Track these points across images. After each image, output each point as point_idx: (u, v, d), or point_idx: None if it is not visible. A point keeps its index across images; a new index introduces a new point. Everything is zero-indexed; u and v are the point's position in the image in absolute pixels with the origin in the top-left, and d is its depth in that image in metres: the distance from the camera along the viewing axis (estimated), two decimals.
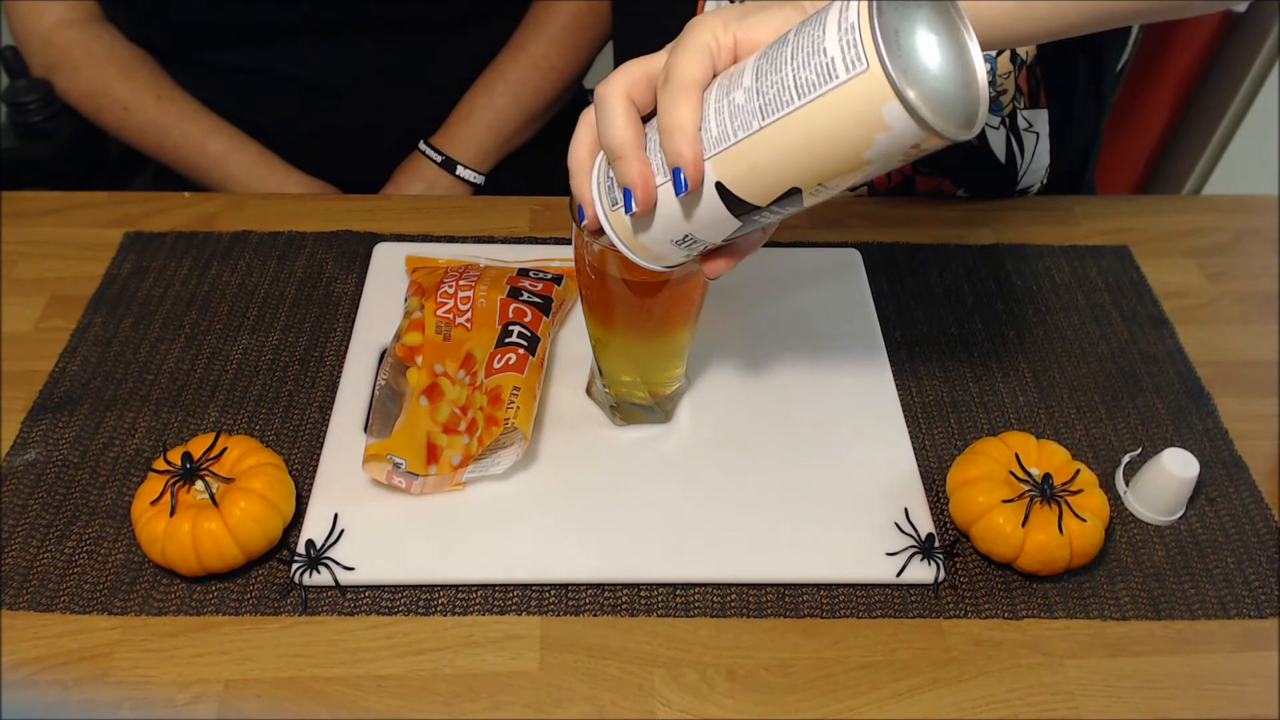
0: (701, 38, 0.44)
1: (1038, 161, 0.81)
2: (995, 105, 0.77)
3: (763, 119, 0.40)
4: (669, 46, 0.45)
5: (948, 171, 0.81)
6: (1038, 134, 0.79)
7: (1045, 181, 0.84)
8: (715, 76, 0.44)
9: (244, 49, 0.88)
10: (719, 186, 0.43)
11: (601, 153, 0.48)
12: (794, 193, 0.42)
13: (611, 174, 0.47)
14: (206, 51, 0.89)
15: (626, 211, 0.46)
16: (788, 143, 0.40)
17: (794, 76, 0.39)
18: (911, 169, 0.81)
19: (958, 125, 0.38)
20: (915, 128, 0.37)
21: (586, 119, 0.48)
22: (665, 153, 0.44)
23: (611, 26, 0.91)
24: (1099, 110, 0.85)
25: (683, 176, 0.43)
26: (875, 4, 0.36)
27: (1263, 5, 1.03)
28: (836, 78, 0.38)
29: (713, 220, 0.45)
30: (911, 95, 0.36)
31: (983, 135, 0.78)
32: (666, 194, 0.45)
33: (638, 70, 0.46)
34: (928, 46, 0.38)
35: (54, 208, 0.78)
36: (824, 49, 0.38)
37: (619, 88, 0.45)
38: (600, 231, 0.49)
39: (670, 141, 0.43)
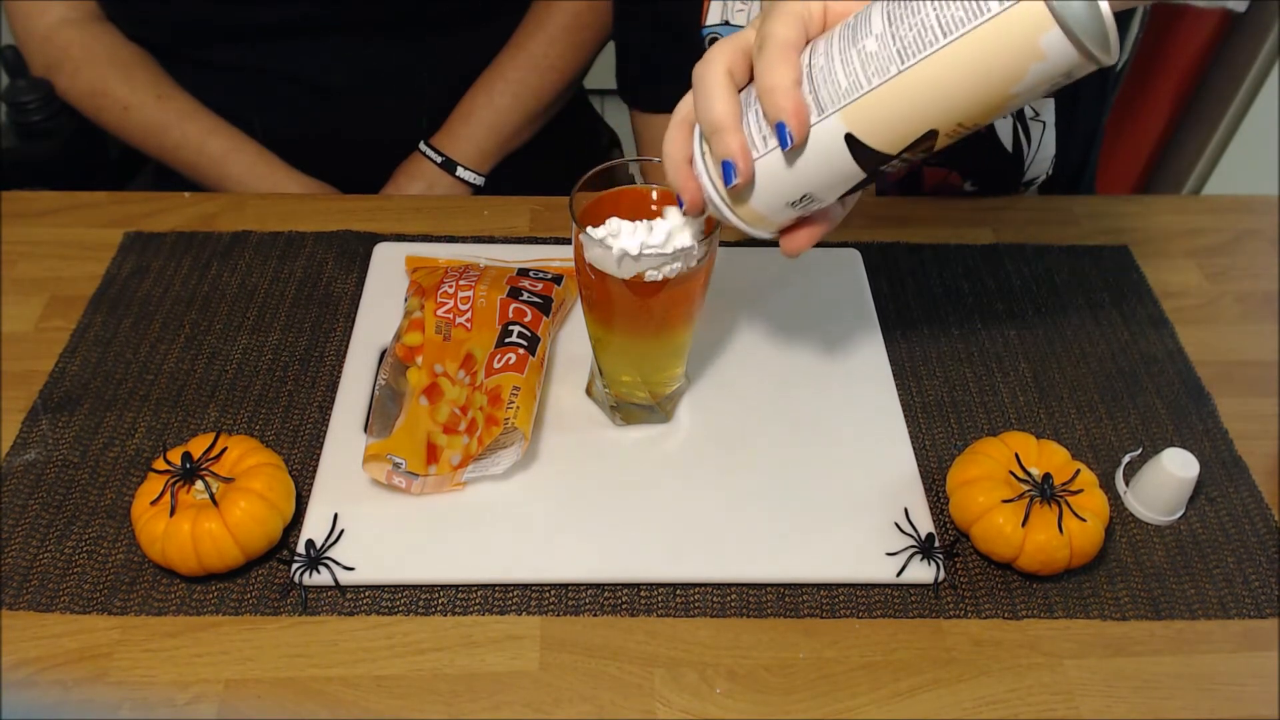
0: (793, 4, 0.44)
1: (1044, 151, 0.81)
2: None
3: (902, 62, 0.40)
4: (756, 19, 0.45)
5: (955, 163, 0.81)
6: (1044, 123, 0.79)
7: (1051, 173, 0.83)
8: (808, 41, 0.44)
9: (244, 49, 0.88)
10: (849, 138, 0.43)
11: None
12: (929, 136, 0.42)
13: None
14: (206, 51, 0.89)
15: (726, 184, 0.46)
16: (932, 83, 0.40)
17: (936, 15, 0.39)
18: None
19: (1105, 50, 0.38)
20: (1074, 54, 0.37)
21: (680, 111, 0.49)
22: (765, 111, 0.43)
23: (613, 26, 0.91)
24: (1101, 106, 0.85)
25: (787, 131, 0.43)
26: None
27: (1263, 5, 1.03)
28: (989, 11, 0.37)
29: (836, 175, 0.45)
30: (1071, 21, 0.36)
31: (990, 124, 0.79)
32: (778, 157, 0.45)
33: (732, 46, 0.46)
34: None
35: (54, 208, 0.78)
36: None
37: (718, 65, 0.45)
38: (703, 211, 0.49)
39: (770, 100, 0.43)
